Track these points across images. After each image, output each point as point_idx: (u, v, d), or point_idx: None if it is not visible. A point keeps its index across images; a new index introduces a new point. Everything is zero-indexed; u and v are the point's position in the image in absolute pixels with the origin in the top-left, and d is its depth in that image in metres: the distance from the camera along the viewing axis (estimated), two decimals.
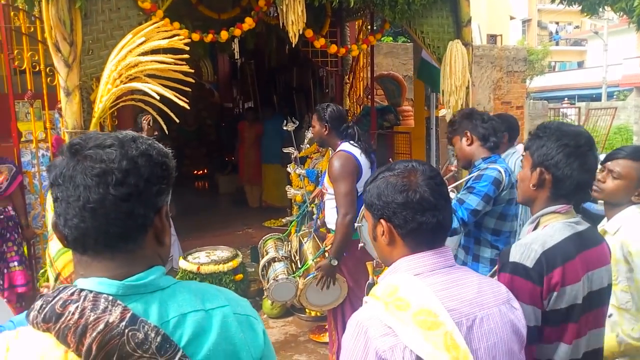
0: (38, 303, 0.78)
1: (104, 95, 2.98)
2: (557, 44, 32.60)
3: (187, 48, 3.15)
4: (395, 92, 7.03)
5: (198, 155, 9.88)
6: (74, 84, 3.05)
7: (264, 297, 4.21)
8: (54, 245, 3.03)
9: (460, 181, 2.81)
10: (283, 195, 5.31)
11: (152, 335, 0.76)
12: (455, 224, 2.30)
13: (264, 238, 3.74)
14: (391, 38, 10.04)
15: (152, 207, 0.85)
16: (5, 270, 3.94)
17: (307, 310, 4.11)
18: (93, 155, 0.80)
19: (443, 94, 4.35)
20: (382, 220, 1.18)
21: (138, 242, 0.84)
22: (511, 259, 1.38)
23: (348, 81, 6.62)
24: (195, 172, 10.10)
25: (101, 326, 0.73)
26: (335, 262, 2.82)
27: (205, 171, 10.12)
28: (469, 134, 2.52)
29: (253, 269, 4.91)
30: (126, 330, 0.74)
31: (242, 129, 7.71)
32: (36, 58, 4.10)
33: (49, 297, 0.77)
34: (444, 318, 1.04)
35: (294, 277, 3.07)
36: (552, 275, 1.33)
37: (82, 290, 0.78)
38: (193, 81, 3.26)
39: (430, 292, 1.08)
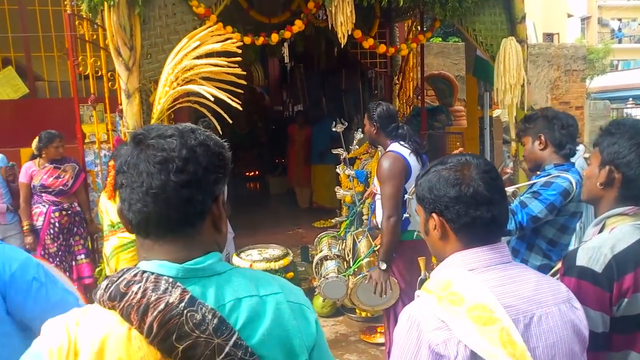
0: (104, 283, 0.82)
1: (162, 97, 3.11)
2: (619, 42, 30.84)
3: (240, 51, 3.24)
4: (447, 92, 6.89)
5: (249, 157, 10.08)
6: (134, 86, 3.20)
7: (315, 294, 4.24)
8: (109, 244, 3.21)
9: (518, 185, 2.69)
10: (333, 196, 5.33)
11: (209, 317, 0.79)
12: (512, 225, 2.21)
13: (319, 235, 3.79)
14: (440, 39, 9.86)
15: (209, 195, 0.88)
16: (73, 263, 4.20)
17: (357, 310, 4.10)
18: (155, 144, 0.84)
19: (497, 93, 4.22)
20: (433, 215, 1.16)
21: (196, 228, 0.87)
22: (578, 262, 1.31)
23: (397, 82, 6.56)
24: (247, 173, 10.32)
25: (162, 306, 0.77)
26: (384, 266, 2.79)
27: (257, 172, 10.31)
28: (543, 138, 2.32)
29: (303, 268, 4.97)
30: (185, 311, 0.77)
31: (292, 132, 7.82)
32: (98, 64, 4.34)
33: (114, 278, 0.82)
34: (500, 314, 1.01)
35: (344, 275, 3.08)
36: (623, 281, 1.27)
37: (144, 272, 0.82)
38: (245, 83, 3.34)
39: (486, 288, 1.05)
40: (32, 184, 4.14)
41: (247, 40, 3.69)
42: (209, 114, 3.33)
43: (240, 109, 3.08)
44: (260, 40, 3.81)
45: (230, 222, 4.39)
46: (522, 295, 1.08)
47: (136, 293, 0.78)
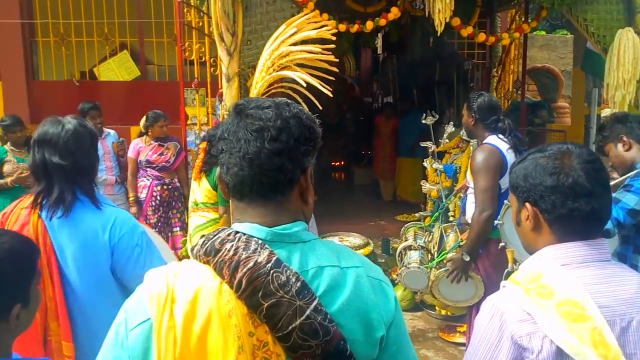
0: (201, 240, 0.89)
1: (259, 82, 3.24)
2: None
3: (334, 38, 3.28)
4: (550, 87, 6.45)
5: (336, 147, 10.15)
6: (234, 71, 3.37)
7: (395, 285, 4.22)
8: (192, 222, 3.42)
9: (616, 181, 2.50)
10: (418, 190, 5.23)
11: (293, 280, 0.83)
12: (609, 225, 2.06)
13: (406, 225, 3.77)
14: (544, 32, 9.20)
15: (299, 165, 0.92)
16: (169, 234, 4.55)
17: (437, 307, 4.02)
18: (253, 114, 0.90)
19: (607, 89, 3.88)
20: (527, 204, 1.11)
21: (285, 195, 0.91)
22: None
23: (496, 74, 6.25)
24: (333, 163, 10.43)
25: (251, 264, 0.82)
26: (467, 258, 2.71)
27: (342, 163, 10.39)
28: (625, 139, 2.30)
29: (383, 260, 4.95)
30: (271, 271, 0.82)
31: (379, 123, 7.76)
32: (203, 50, 4.62)
33: (211, 235, 0.88)
34: (592, 313, 0.95)
35: (427, 267, 3.04)
36: None
37: (237, 232, 0.88)
38: (337, 70, 3.38)
39: (579, 284, 0.99)
40: (139, 159, 4.52)
41: (342, 27, 3.73)
42: (300, 100, 3.41)
43: (331, 95, 3.12)
44: (355, 28, 3.83)
45: (315, 210, 4.50)
46: (620, 296, 1.00)
47: (229, 250, 0.84)
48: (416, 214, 5.47)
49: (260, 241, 0.86)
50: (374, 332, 0.87)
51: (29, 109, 5.70)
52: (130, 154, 4.55)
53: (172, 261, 1.81)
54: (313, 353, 0.81)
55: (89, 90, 5.88)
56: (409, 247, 3.32)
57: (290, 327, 0.80)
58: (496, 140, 2.77)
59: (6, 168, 4.16)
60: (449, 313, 3.96)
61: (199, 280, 0.84)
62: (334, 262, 0.89)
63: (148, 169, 4.52)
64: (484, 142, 2.83)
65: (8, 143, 4.29)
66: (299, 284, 0.83)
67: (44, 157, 1.59)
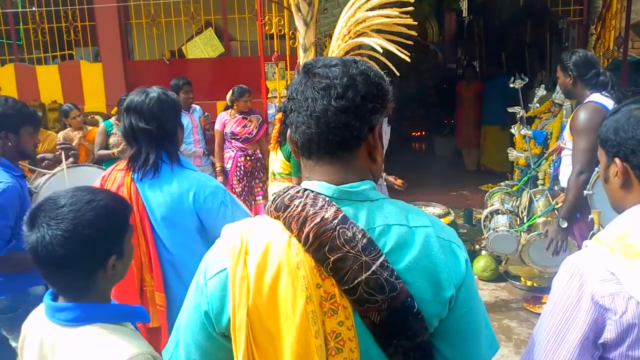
0: (272, 197, 0.93)
1: (334, 50, 3.23)
2: None
3: (412, 0, 3.16)
4: None
5: (417, 116, 9.92)
6: (310, 41, 3.38)
7: (476, 256, 4.11)
8: (271, 191, 3.53)
9: None
10: (503, 159, 4.97)
11: (359, 236, 0.84)
12: None
13: (491, 190, 3.65)
14: None
15: (366, 123, 0.91)
16: (253, 203, 4.77)
17: (522, 278, 3.87)
18: (321, 73, 0.91)
19: None
20: (616, 159, 1.03)
21: (353, 153, 0.92)
22: None
23: (594, 32, 5.70)
24: (413, 133, 10.21)
25: (317, 220, 0.84)
26: (564, 225, 2.57)
27: (423, 133, 10.14)
28: None
29: (465, 231, 4.82)
30: (337, 227, 0.84)
31: (460, 89, 7.43)
32: (282, 23, 4.68)
33: (281, 192, 0.92)
34: None
35: (517, 231, 2.92)
36: None
37: (305, 189, 0.91)
38: (416, 34, 3.27)
39: None
40: (224, 131, 4.74)
41: None
42: (377, 67, 3.36)
43: (409, 60, 3.04)
44: None
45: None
46: None
47: (297, 206, 0.87)
48: (502, 184, 5.23)
49: (327, 198, 0.88)
50: (443, 291, 0.87)
51: (125, 87, 6.15)
52: (217, 126, 4.78)
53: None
54: (379, 307, 0.83)
55: (178, 68, 6.22)
56: (496, 212, 3.21)
57: (355, 281, 0.82)
58: (600, 98, 2.58)
59: (112, 140, 4.57)
60: (534, 284, 3.79)
61: (270, 234, 0.89)
62: (402, 221, 0.89)
63: (233, 141, 4.74)
64: (586, 100, 2.63)
65: (114, 117, 4.70)
66: (365, 240, 0.84)
67: (132, 123, 1.74)
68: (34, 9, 6.17)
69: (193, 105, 4.91)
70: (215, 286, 0.89)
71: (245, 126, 4.73)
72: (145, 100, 1.74)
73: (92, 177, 2.71)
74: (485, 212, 3.32)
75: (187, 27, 6.42)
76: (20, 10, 6.30)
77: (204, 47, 6.39)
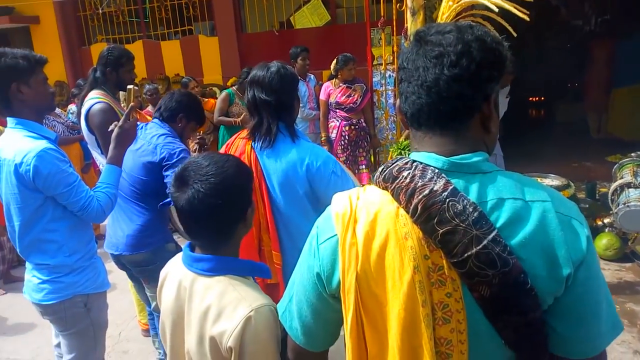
0: (380, 168, 0.94)
1: (445, 12, 3.08)
2: None
3: None
4: None
5: (534, 80, 9.15)
6: (419, 3, 3.26)
7: (600, 232, 3.78)
8: None
9: None
10: (636, 125, 4.45)
11: (470, 209, 0.82)
12: None
13: (621, 162, 3.32)
14: None
15: (480, 92, 0.87)
16: (356, 172, 4.81)
17: None
18: (433, 40, 0.87)
19: None
20: None
21: (465, 124, 0.89)
22: None
23: None
24: (530, 98, 9.47)
25: (426, 191, 0.84)
26: None
27: (542, 98, 9.35)
28: None
29: (587, 205, 4.44)
30: (447, 200, 0.83)
31: (592, 48, 6.67)
32: None
33: (389, 164, 0.93)
34: None
35: None
36: None
37: (414, 161, 0.90)
38: None
39: None
40: (329, 101, 4.79)
41: None
42: (492, 28, 3.14)
43: (528, 19, 2.80)
44: None
45: (508, 151, 4.20)
46: None
47: (405, 178, 0.87)
48: (633, 154, 4.70)
49: (436, 170, 0.86)
50: (559, 269, 0.82)
51: (239, 59, 6.46)
52: (322, 96, 4.84)
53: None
54: (490, 282, 0.81)
55: (287, 39, 6.38)
56: (628, 185, 2.91)
57: (465, 255, 0.81)
58: None
59: (234, 109, 4.89)
60: None
61: (378, 204, 0.90)
62: (517, 195, 0.85)
63: (337, 110, 4.77)
64: None
65: (235, 87, 4.99)
66: (476, 214, 0.82)
67: (254, 95, 1.87)
68: None
69: (308, 74, 5.00)
70: (326, 250, 0.93)
71: (349, 95, 4.73)
72: (267, 74, 1.86)
73: None
74: (614, 185, 3.02)
75: None
76: None
77: (311, 16, 6.46)
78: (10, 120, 1.91)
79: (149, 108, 5.39)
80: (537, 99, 9.48)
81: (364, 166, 4.81)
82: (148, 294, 2.58)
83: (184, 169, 1.23)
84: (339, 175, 1.85)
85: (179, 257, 1.33)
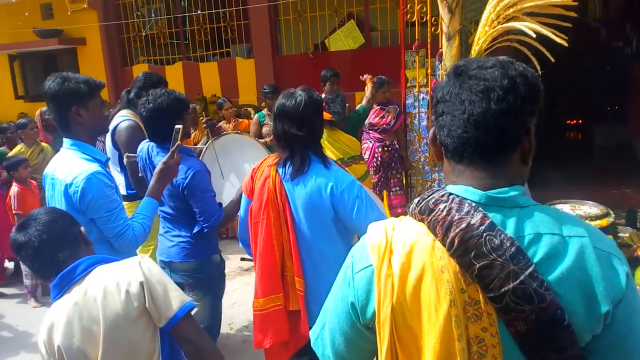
0: (416, 200, 0.95)
1: (481, 37, 3.09)
2: None
3: None
4: None
5: (572, 102, 8.97)
6: (455, 28, 3.28)
7: (639, 265, 3.64)
8: None
9: None
10: None
11: (507, 244, 0.82)
12: None
13: None
14: None
15: (523, 126, 0.89)
16: (389, 193, 4.80)
17: None
18: (477, 75, 0.89)
19: None
20: None
21: (507, 157, 0.90)
22: None
23: None
24: (568, 121, 9.26)
25: (463, 225, 0.84)
26: None
27: (580, 121, 9.13)
28: None
29: (627, 235, 4.28)
30: (484, 234, 0.83)
31: (637, 71, 6.50)
32: (424, 10, 4.58)
33: (425, 196, 0.94)
34: None
35: None
36: None
37: (450, 194, 0.91)
38: (575, 16, 2.96)
39: None
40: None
41: None
42: (529, 53, 3.13)
43: (567, 45, 2.77)
44: None
45: (543, 175, 4.12)
46: None
47: (442, 211, 0.88)
48: None
49: (473, 204, 0.87)
50: (597, 306, 0.81)
51: (274, 80, 6.59)
52: None
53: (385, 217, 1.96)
54: (526, 318, 0.81)
55: (321, 61, 6.48)
56: None
57: (502, 290, 0.81)
58: None
59: (264, 130, 4.99)
60: None
61: (414, 236, 0.91)
62: (555, 230, 0.85)
63: (370, 132, 4.81)
64: None
65: (265, 108, 5.11)
66: (513, 249, 0.82)
67: (284, 129, 1.89)
68: (198, 11, 6.92)
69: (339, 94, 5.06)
70: (362, 280, 0.94)
71: (382, 117, 4.76)
72: (295, 106, 1.88)
73: (233, 143, 3.29)
74: None
75: (330, 20, 6.64)
76: (187, 14, 7.12)
77: (345, 39, 6.56)
78: (66, 141, 1.99)
79: None
80: (575, 121, 9.25)
81: (398, 188, 4.81)
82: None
83: (26, 218, 1.50)
84: (364, 201, 1.84)
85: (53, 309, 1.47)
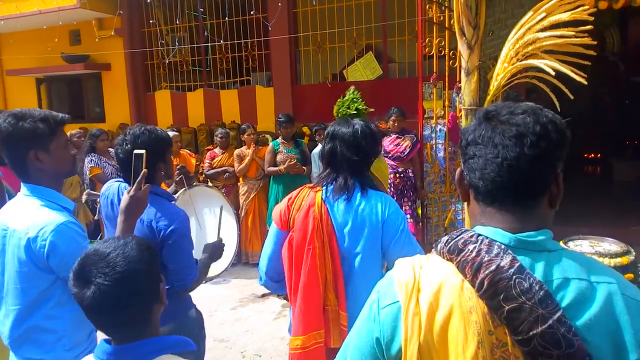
0: (445, 238, 0.97)
1: (500, 73, 3.13)
2: None
3: (592, 19, 2.91)
4: None
5: (591, 136, 8.92)
6: (473, 64, 3.33)
7: None
8: None
9: None
10: None
11: (536, 288, 0.83)
12: None
13: None
14: None
15: (553, 171, 0.91)
16: None
17: None
18: (509, 120, 0.92)
19: None
20: None
21: (537, 201, 0.92)
22: None
23: None
24: (586, 155, 9.19)
25: (493, 267, 0.86)
26: None
27: (598, 155, 9.06)
28: None
29: None
30: (514, 277, 0.84)
31: None
32: (442, 44, 4.66)
33: (454, 235, 0.95)
34: None
35: None
36: None
37: (479, 235, 0.92)
38: (594, 54, 3.00)
39: None
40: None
41: (603, 5, 3.29)
42: (547, 89, 3.16)
43: (585, 83, 2.80)
44: (620, 3, 3.32)
45: (561, 210, 4.08)
46: None
47: (471, 252, 0.89)
48: None
49: (502, 246, 0.89)
50: (626, 354, 0.81)
51: (292, 109, 6.70)
52: None
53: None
54: None
55: (339, 90, 6.57)
56: None
57: (531, 333, 0.81)
58: None
59: (279, 158, 5.06)
60: None
61: (442, 275, 0.92)
62: (583, 276, 0.86)
63: (385, 159, 4.85)
64: None
65: (280, 137, 5.19)
66: (542, 292, 0.83)
67: (336, 149, 1.84)
68: (221, 41, 7.12)
69: None
70: (388, 316, 0.94)
71: (398, 144, 4.83)
72: (355, 132, 1.85)
73: (203, 195, 2.91)
74: None
75: (349, 51, 6.77)
76: (209, 44, 7.32)
77: (363, 70, 6.67)
78: (24, 187, 1.67)
79: (217, 150, 5.69)
80: (593, 155, 9.19)
81: (408, 216, 4.82)
82: None
83: (83, 263, 1.13)
84: (405, 232, 1.80)
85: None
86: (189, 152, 5.83)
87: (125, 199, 1.69)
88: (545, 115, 0.92)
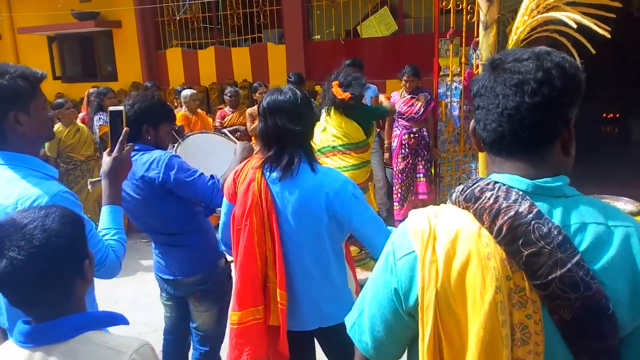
0: (459, 187, 0.96)
1: (520, 27, 3.02)
2: None
3: None
4: None
5: (611, 96, 8.69)
6: (492, 17, 3.22)
7: None
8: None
9: None
10: None
11: (555, 232, 0.83)
12: None
13: None
14: None
15: (561, 117, 0.89)
16: (415, 180, 4.82)
17: None
18: (512, 68, 0.89)
19: None
20: None
21: (547, 149, 0.90)
22: None
23: None
24: (603, 115, 9.00)
25: (512, 213, 0.85)
26: None
27: (617, 115, 8.86)
28: None
29: None
30: (532, 222, 0.84)
31: None
32: None
33: (470, 184, 0.94)
34: None
35: None
36: None
37: (496, 182, 0.91)
38: (620, 5, 2.87)
39: None
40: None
41: None
42: (568, 44, 3.05)
43: (609, 37, 2.69)
44: None
45: (577, 169, 4.01)
46: None
47: (489, 199, 0.89)
48: None
49: (520, 192, 0.88)
50: None
51: (304, 67, 6.60)
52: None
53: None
54: (571, 305, 0.82)
55: (353, 48, 6.45)
56: None
57: (549, 277, 0.82)
58: None
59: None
60: None
61: (458, 223, 0.92)
62: (600, 220, 0.86)
63: (399, 120, 4.82)
64: None
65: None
66: (560, 237, 0.83)
67: (276, 124, 1.69)
68: None
69: (369, 84, 5.04)
70: (404, 266, 0.94)
71: (412, 105, 4.76)
72: (291, 100, 1.72)
73: (201, 142, 2.79)
74: None
75: (363, 6, 6.58)
76: None
77: (378, 26, 6.50)
78: (1, 156, 1.46)
79: (227, 109, 5.68)
80: (611, 115, 8.99)
81: (421, 175, 4.82)
82: (194, 311, 2.34)
83: None
84: (360, 199, 1.72)
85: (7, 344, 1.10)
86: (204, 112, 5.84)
87: (107, 161, 1.61)
88: (551, 59, 0.87)
